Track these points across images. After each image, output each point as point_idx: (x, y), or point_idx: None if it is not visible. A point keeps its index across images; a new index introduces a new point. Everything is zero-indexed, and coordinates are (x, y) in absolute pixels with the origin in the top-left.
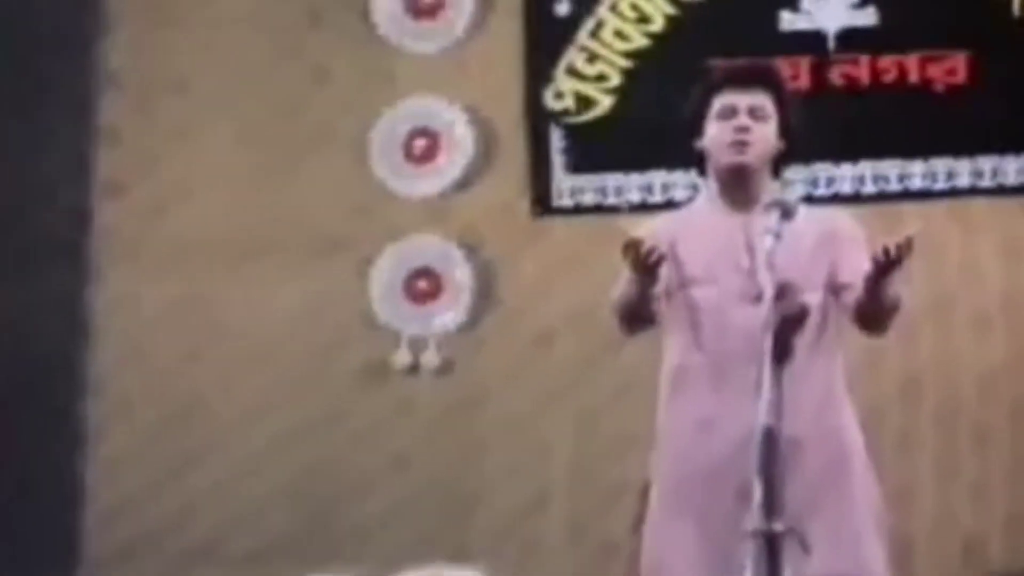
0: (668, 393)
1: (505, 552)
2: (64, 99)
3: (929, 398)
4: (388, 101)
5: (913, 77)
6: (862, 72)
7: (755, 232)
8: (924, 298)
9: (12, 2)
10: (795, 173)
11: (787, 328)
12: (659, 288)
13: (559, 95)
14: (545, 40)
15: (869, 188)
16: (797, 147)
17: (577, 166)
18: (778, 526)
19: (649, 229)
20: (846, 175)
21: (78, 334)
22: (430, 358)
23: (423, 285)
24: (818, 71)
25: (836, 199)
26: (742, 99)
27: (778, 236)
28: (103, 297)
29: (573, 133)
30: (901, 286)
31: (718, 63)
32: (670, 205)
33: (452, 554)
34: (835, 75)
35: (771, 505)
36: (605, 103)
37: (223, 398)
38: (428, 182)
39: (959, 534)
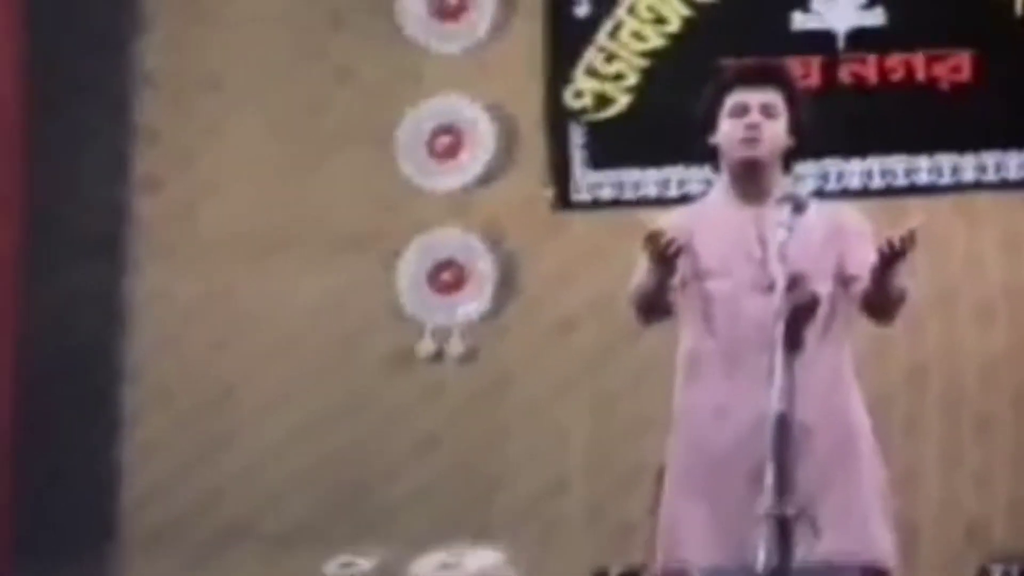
0: (683, 380)
1: (526, 533)
2: (101, 98)
3: (934, 386)
4: (413, 99)
5: (919, 75)
6: (870, 71)
7: (766, 225)
8: (929, 289)
9: (51, 3)
10: (806, 168)
11: (798, 317)
12: (676, 279)
13: (578, 94)
14: (565, 41)
15: (877, 183)
16: (807, 143)
17: (596, 162)
18: (789, 509)
19: (666, 222)
20: (855, 170)
21: (115, 324)
22: (454, 346)
23: (447, 277)
24: (828, 70)
25: (845, 193)
26: (753, 97)
27: (790, 229)
28: (139, 289)
29: (592, 130)
30: (907, 278)
31: (730, 62)
32: (685, 199)
33: (474, 535)
34: (844, 74)
35: (783, 488)
36: (623, 101)
37: (254, 385)
38: (452, 177)
39: (963, 518)
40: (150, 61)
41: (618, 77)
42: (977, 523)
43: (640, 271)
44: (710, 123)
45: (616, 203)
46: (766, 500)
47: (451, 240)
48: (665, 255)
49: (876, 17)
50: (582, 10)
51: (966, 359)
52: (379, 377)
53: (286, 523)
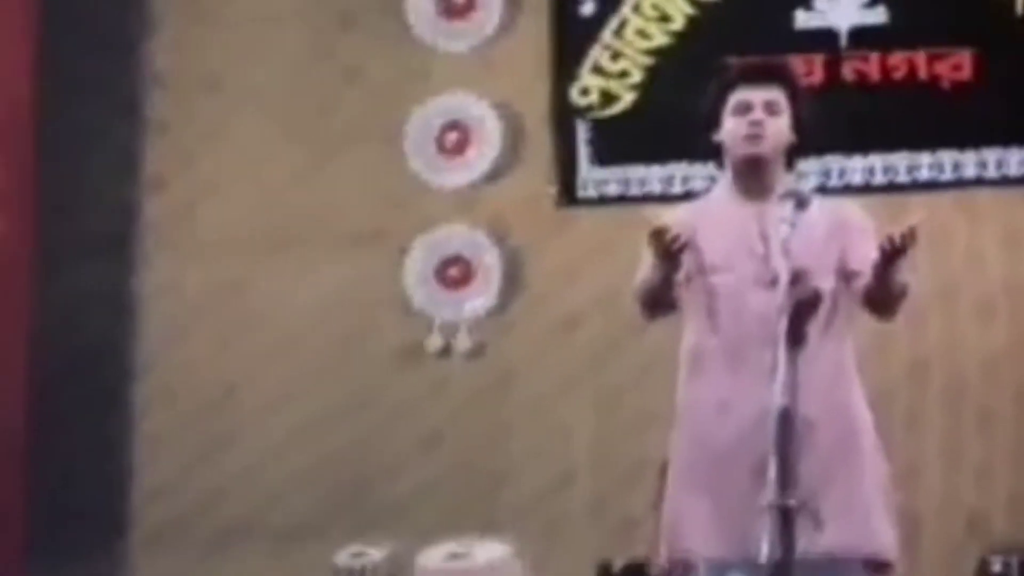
0: (686, 375)
1: (531, 527)
2: (110, 98)
3: (935, 381)
4: (421, 97)
5: (921, 73)
6: (872, 69)
7: (769, 221)
8: (931, 285)
9: (61, 5)
10: (808, 165)
11: (801, 313)
12: (680, 275)
13: (584, 91)
14: (571, 39)
15: (879, 179)
16: (809, 140)
17: (601, 159)
18: (792, 501)
19: (670, 218)
20: (857, 167)
21: (124, 322)
22: (461, 342)
23: (454, 272)
24: (831, 68)
25: (848, 190)
26: (757, 94)
27: (793, 225)
28: (148, 287)
29: (597, 127)
30: (908, 273)
31: (734, 60)
32: (690, 196)
33: (480, 529)
34: (847, 71)
35: (785, 481)
36: (628, 98)
37: (263, 380)
38: (459, 174)
39: (963, 511)
40: (159, 61)
41: (623, 75)
42: (978, 516)
43: (645, 267)
44: (714, 120)
45: (621, 199)
46: (769, 492)
47: (458, 236)
48: (670, 251)
49: (878, 16)
50: (587, 8)
51: (967, 354)
52: (387, 372)
53: (293, 518)
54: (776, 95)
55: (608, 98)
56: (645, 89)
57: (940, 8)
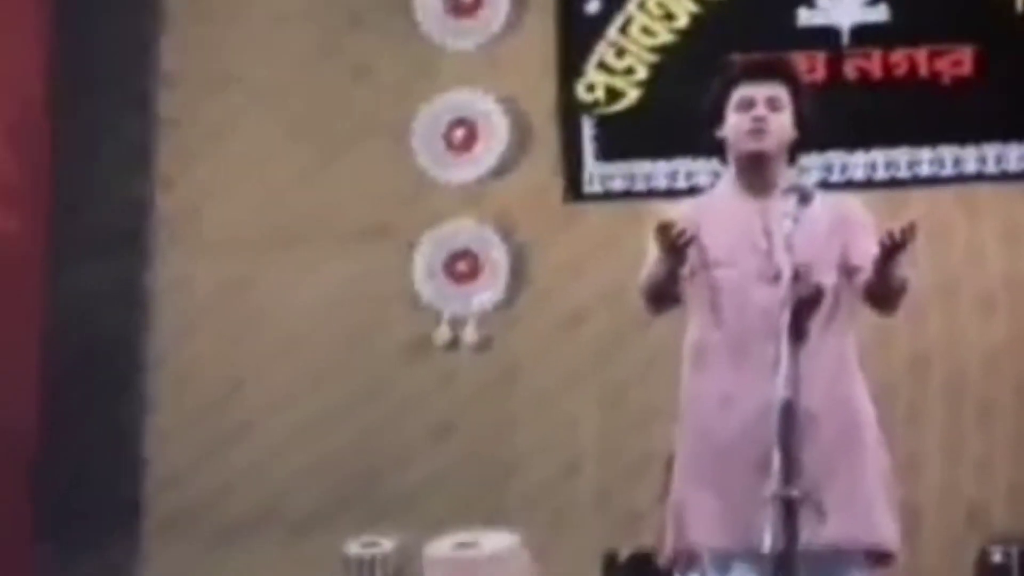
0: (690, 369)
1: (538, 517)
2: (123, 96)
3: (936, 374)
4: (429, 94)
5: (922, 70)
6: (874, 66)
7: (772, 216)
8: (931, 280)
9: (74, 6)
10: (811, 160)
11: (803, 308)
12: (685, 269)
13: (590, 87)
14: (576, 36)
15: (880, 174)
16: (811, 135)
17: (607, 154)
18: (795, 492)
19: (674, 213)
20: (859, 162)
21: (137, 316)
22: (469, 335)
23: (462, 267)
24: (833, 65)
25: (849, 185)
26: (759, 91)
27: (796, 220)
28: (160, 281)
29: (603, 123)
30: (908, 268)
31: (737, 57)
32: (694, 191)
33: (488, 519)
34: (849, 68)
35: (789, 472)
36: (633, 95)
37: (274, 373)
38: (467, 170)
39: (964, 503)
40: (171, 60)
41: (628, 72)
42: (978, 507)
43: (650, 261)
44: (717, 116)
45: (626, 194)
46: (772, 484)
47: (466, 231)
48: (675, 245)
49: (880, 13)
50: (593, 6)
51: (968, 348)
52: (396, 365)
53: (303, 509)
54: (778, 91)
55: (613, 95)
56: (650, 86)
57: (941, 6)
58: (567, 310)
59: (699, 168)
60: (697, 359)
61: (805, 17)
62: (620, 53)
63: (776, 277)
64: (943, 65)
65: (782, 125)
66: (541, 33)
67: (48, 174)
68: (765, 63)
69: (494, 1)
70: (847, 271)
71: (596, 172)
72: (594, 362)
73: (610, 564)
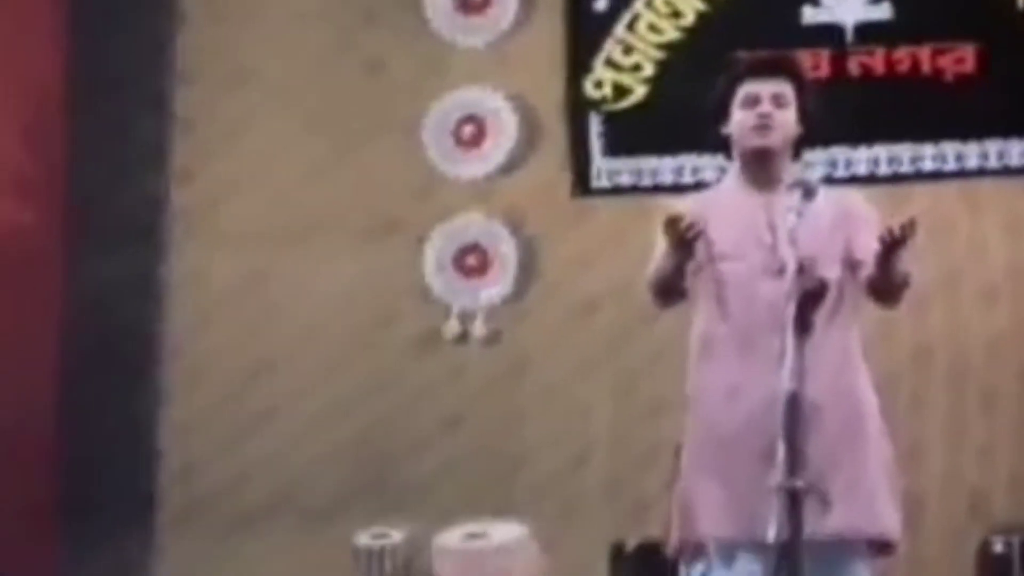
0: (697, 361)
1: (547, 508)
2: (140, 92)
3: (939, 365)
4: (439, 91)
5: (925, 67)
6: (878, 63)
7: (776, 210)
8: (935, 272)
9: (94, 7)
10: (815, 156)
11: (808, 301)
12: (692, 263)
13: (597, 84)
14: (584, 33)
15: (884, 170)
16: (815, 131)
17: (614, 150)
18: (800, 483)
19: (682, 208)
20: (862, 158)
21: (153, 307)
22: (478, 328)
23: (472, 261)
24: (837, 62)
25: (853, 180)
26: (764, 88)
27: (800, 214)
28: (176, 274)
29: (610, 119)
30: (910, 263)
31: (743, 54)
32: (700, 186)
33: (497, 510)
34: (853, 65)
35: (794, 463)
36: (640, 92)
37: (287, 365)
38: (476, 166)
39: (966, 491)
40: (187, 57)
41: (635, 68)
42: (980, 495)
43: (657, 255)
44: (723, 113)
45: (634, 189)
46: (778, 475)
47: (475, 226)
48: (684, 239)
49: (883, 11)
50: (601, 4)
51: (970, 338)
52: (407, 358)
53: (317, 498)
54: (783, 88)
55: (621, 91)
56: (657, 82)
57: (943, 4)
58: (575, 303)
59: (705, 163)
60: (703, 351)
61: (810, 15)
62: (627, 50)
63: (781, 271)
64: (945, 62)
65: (787, 121)
66: (549, 31)
67: (66, 170)
68: (770, 60)
69: None
70: (850, 265)
71: (604, 167)
72: (602, 355)
73: (617, 554)
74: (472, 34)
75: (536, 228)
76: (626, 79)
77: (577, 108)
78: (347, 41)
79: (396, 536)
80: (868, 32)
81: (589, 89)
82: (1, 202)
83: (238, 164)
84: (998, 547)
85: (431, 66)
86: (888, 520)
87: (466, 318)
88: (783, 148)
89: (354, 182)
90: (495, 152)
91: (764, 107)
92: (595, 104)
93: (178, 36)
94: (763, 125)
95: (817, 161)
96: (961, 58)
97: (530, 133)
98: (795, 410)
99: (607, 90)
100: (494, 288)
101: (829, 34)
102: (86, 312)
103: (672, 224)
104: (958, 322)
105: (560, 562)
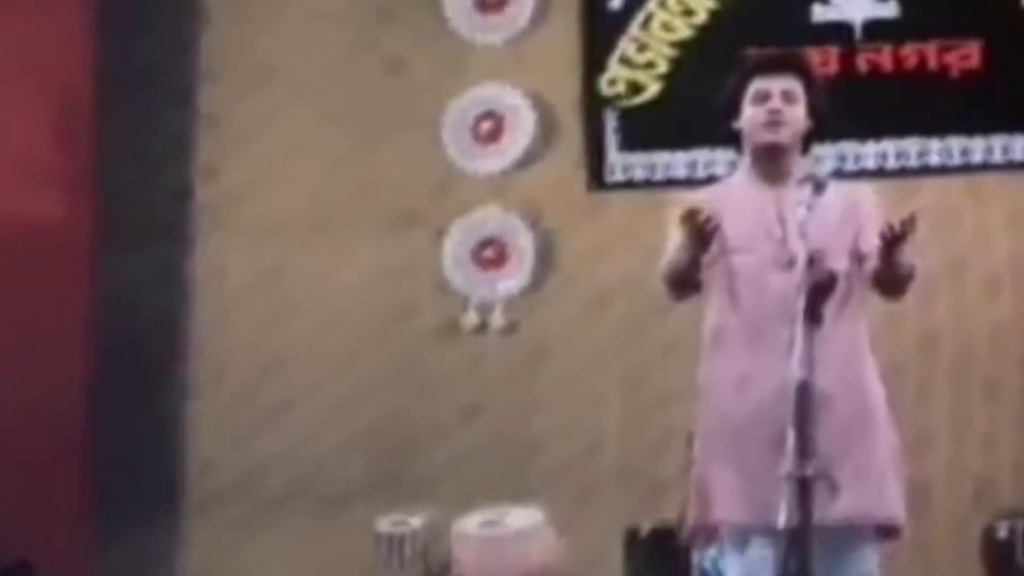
0: (709, 352)
1: (562, 494)
2: (167, 90)
3: (944, 354)
4: (458, 88)
5: (931, 64)
6: (885, 59)
7: (786, 204)
8: (940, 263)
9: (122, 7)
10: (825, 150)
11: (817, 293)
12: (707, 256)
13: (612, 81)
14: (599, 32)
15: (891, 164)
16: (824, 126)
17: (628, 145)
18: (810, 470)
19: (694, 201)
20: (870, 152)
21: (179, 301)
22: (496, 319)
23: (490, 253)
24: (846, 59)
25: (862, 174)
26: (775, 84)
27: (810, 207)
28: (200, 268)
29: (625, 115)
30: (914, 256)
31: (753, 52)
32: (712, 180)
33: (514, 496)
34: (861, 62)
35: (804, 452)
36: (654, 88)
37: (308, 356)
38: (494, 161)
39: (971, 478)
40: (211, 56)
41: (649, 66)
42: (985, 482)
43: (672, 248)
44: (734, 109)
45: (647, 184)
46: (788, 462)
47: (493, 219)
48: (702, 231)
49: (891, 9)
50: (615, 3)
51: (975, 328)
52: (426, 349)
53: (338, 485)
54: (793, 84)
55: (635, 88)
56: (670, 79)
57: (949, 2)
58: (591, 295)
59: (717, 158)
60: (715, 342)
61: (819, 13)
62: (641, 48)
63: (791, 263)
64: (951, 59)
65: (796, 117)
66: (565, 29)
67: (94, 166)
68: (780, 57)
69: None
70: (858, 257)
71: (618, 162)
72: (617, 345)
73: (632, 539)
74: (490, 33)
75: (552, 222)
76: (640, 76)
77: (592, 105)
78: (368, 40)
79: (416, 522)
80: (876, 30)
81: (604, 86)
82: (30, 198)
83: (261, 160)
84: (1002, 532)
85: (450, 64)
86: (895, 506)
87: (484, 310)
88: (793, 143)
89: (374, 177)
90: (512, 148)
91: (774, 103)
92: (610, 101)
93: (203, 35)
94: (773, 121)
95: (827, 155)
96: (967, 55)
97: (547, 129)
98: (805, 399)
99: (621, 87)
100: (511, 280)
101: (838, 32)
102: (113, 307)
103: (690, 217)
104: (963, 311)
105: (576, 546)
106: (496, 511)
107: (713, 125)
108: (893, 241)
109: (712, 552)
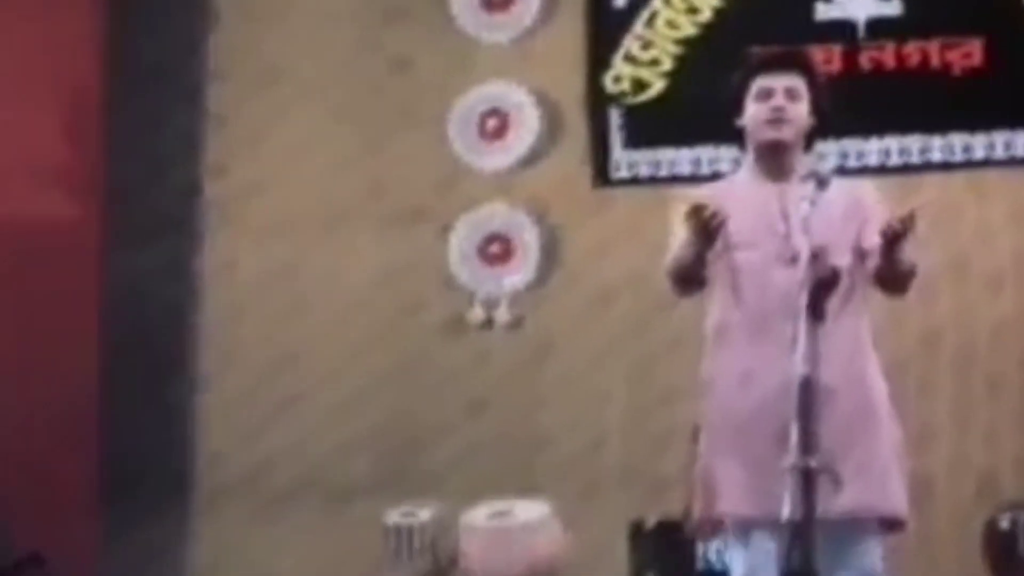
0: (712, 347)
1: (567, 488)
2: (176, 88)
3: (946, 350)
4: (464, 86)
5: (934, 61)
6: (888, 57)
7: (789, 200)
8: (942, 259)
9: (131, 7)
10: (828, 147)
11: (820, 289)
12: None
13: (617, 79)
14: (604, 30)
15: (894, 160)
16: (827, 123)
17: (633, 142)
18: (813, 464)
19: (699, 198)
20: (873, 149)
21: (188, 295)
22: (502, 315)
23: (495, 249)
24: (849, 57)
25: (864, 170)
26: (778, 81)
27: (813, 204)
28: (209, 264)
29: (630, 113)
30: (915, 253)
31: (757, 49)
32: (716, 177)
33: (520, 490)
34: (864, 60)
35: (807, 445)
36: (658, 86)
37: (316, 350)
38: (500, 158)
39: (973, 472)
40: (219, 55)
41: (654, 63)
42: (987, 476)
43: (677, 244)
44: (738, 106)
45: (652, 180)
46: (791, 456)
47: (499, 215)
48: (708, 227)
49: (893, 7)
50: (620, 1)
51: (977, 324)
52: (433, 344)
53: (347, 479)
54: (796, 82)
55: (640, 85)
56: (674, 77)
57: (952, 0)
58: (596, 291)
59: (721, 155)
60: (719, 338)
61: (822, 11)
62: (646, 46)
63: (794, 259)
64: (954, 57)
65: (800, 114)
66: (571, 27)
67: (103, 163)
68: (783, 55)
69: None
70: (860, 254)
71: (623, 159)
72: (622, 341)
73: (636, 532)
74: (496, 31)
75: (558, 218)
76: (645, 74)
77: (597, 102)
78: (375, 39)
79: (424, 515)
80: (879, 28)
81: (609, 83)
82: (41, 196)
83: (269, 158)
84: (1004, 525)
85: (456, 62)
86: (898, 499)
87: (490, 305)
88: (796, 140)
89: (381, 174)
90: (518, 144)
91: (777, 100)
92: (615, 98)
93: (211, 35)
94: (776, 118)
95: (829, 152)
96: (969, 52)
97: (552, 126)
98: (808, 394)
99: (626, 84)
100: (517, 276)
101: (841, 30)
102: (123, 302)
103: (696, 213)
104: (965, 307)
105: (582, 539)
106: (504, 503)
107: (717, 122)
108: (893, 239)
109: (717, 544)
